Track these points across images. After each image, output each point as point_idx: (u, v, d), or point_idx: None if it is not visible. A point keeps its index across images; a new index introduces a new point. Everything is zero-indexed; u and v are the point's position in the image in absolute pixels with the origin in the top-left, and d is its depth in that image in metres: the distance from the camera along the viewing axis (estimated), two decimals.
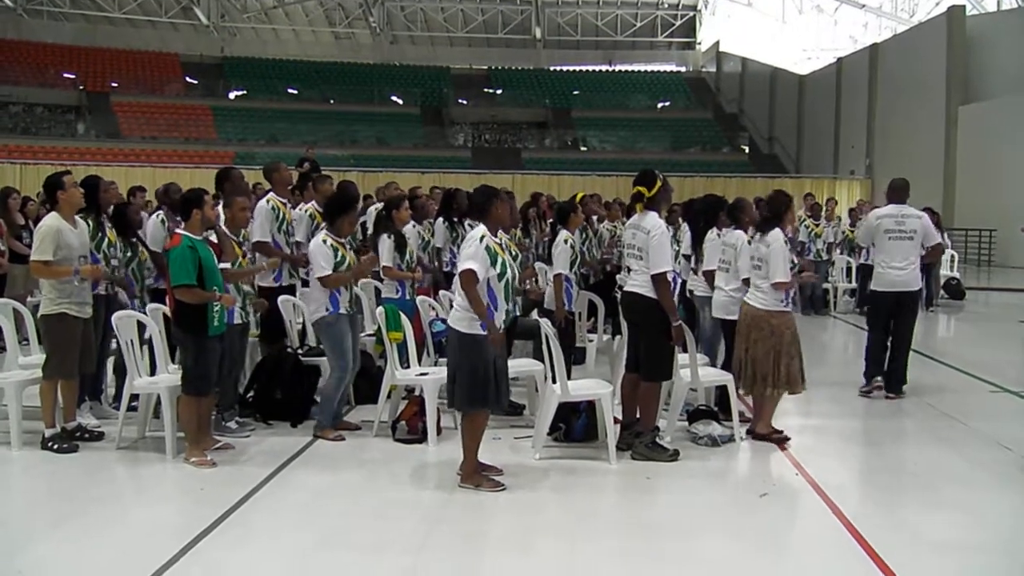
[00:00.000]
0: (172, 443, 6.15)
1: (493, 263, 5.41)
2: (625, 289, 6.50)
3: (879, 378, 8.31)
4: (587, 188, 19.93)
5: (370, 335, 7.84)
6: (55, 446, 6.24)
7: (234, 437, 6.59)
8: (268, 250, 7.55)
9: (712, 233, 7.59)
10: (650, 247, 6.07)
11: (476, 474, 5.59)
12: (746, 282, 6.93)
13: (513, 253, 6.80)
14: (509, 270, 5.50)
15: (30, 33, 39.69)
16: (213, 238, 6.39)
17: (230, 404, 6.78)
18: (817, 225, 14.14)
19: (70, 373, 6.37)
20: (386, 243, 7.64)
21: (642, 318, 6.30)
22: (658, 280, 6.07)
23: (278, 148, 32.27)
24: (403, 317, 6.94)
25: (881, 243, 8.24)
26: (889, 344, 8.30)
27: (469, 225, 9.28)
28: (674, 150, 38.46)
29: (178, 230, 6.18)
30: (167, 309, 7.00)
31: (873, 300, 8.53)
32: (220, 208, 7.06)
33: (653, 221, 6.19)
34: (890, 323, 8.25)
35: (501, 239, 5.65)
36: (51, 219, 6.30)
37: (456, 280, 5.62)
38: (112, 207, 7.43)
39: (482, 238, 5.44)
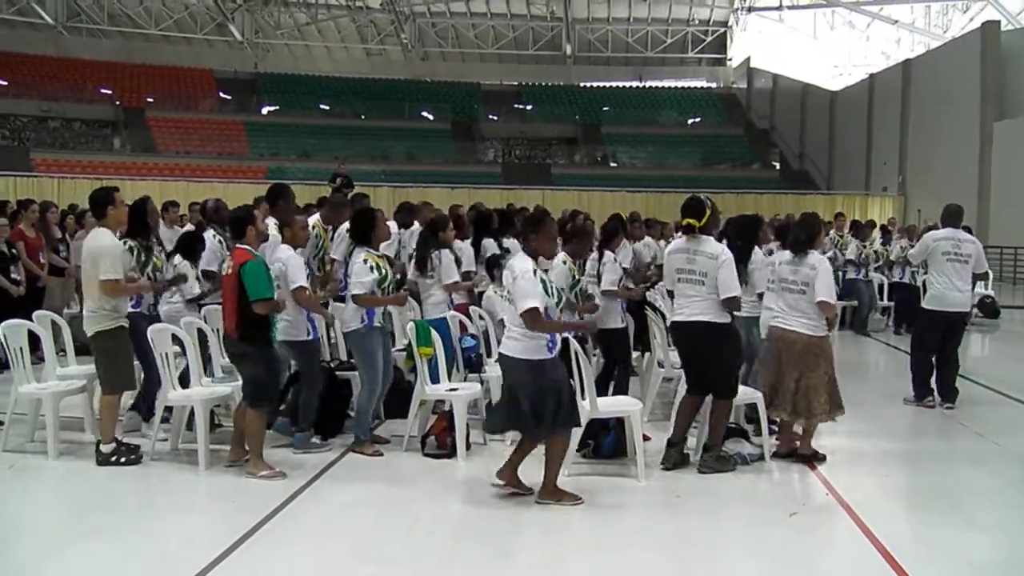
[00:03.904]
0: (205, 455, 6.23)
1: (548, 293, 5.47)
2: (678, 319, 6.39)
3: (930, 398, 8.51)
4: (617, 204, 19.98)
5: (400, 350, 7.90)
6: (122, 459, 6.26)
7: (316, 451, 6.70)
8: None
9: (757, 253, 7.54)
10: (720, 272, 6.06)
11: (557, 490, 5.63)
12: (760, 296, 6.94)
13: (575, 277, 6.86)
14: (558, 295, 5.57)
15: (69, 50, 40.36)
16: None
17: (311, 420, 6.83)
18: (865, 245, 14.10)
19: (128, 383, 6.51)
20: (448, 257, 7.69)
21: (705, 343, 6.25)
22: (731, 303, 6.11)
23: (310, 163, 32.58)
24: (433, 333, 6.99)
25: (939, 265, 8.44)
26: (936, 361, 8.53)
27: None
28: (704, 166, 38.35)
29: (240, 246, 6.15)
30: (201, 323, 7.13)
31: (928, 319, 8.57)
32: (270, 222, 7.18)
33: (715, 246, 6.18)
34: (939, 342, 8.47)
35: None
36: (110, 238, 6.35)
37: (506, 308, 5.63)
38: (181, 235, 7.70)
39: (535, 272, 5.47)
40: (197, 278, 7.53)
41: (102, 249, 6.27)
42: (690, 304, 6.25)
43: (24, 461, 6.52)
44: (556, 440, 5.61)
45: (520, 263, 5.52)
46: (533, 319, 5.32)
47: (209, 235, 8.00)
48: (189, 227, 9.26)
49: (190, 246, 7.59)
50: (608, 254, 7.71)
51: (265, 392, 6.16)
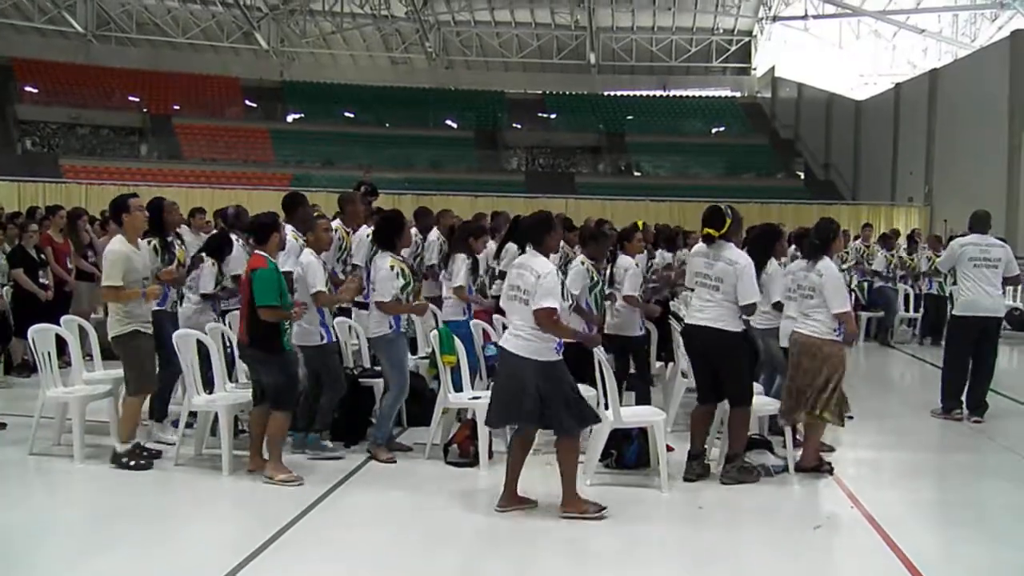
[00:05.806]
0: (229, 461, 6.25)
1: (564, 297, 5.45)
2: (690, 322, 6.39)
3: (959, 411, 8.37)
4: (640, 213, 19.90)
5: (423, 358, 7.91)
6: (132, 462, 6.32)
7: (327, 457, 6.67)
8: (333, 278, 7.64)
9: (772, 264, 7.49)
10: (738, 278, 6.01)
11: (579, 500, 5.52)
12: (776, 306, 7.03)
13: (594, 279, 7.07)
14: (570, 298, 5.57)
15: (98, 58, 40.75)
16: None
17: (327, 424, 6.87)
18: (892, 254, 14.01)
19: (151, 384, 6.57)
20: (464, 263, 7.74)
21: (714, 349, 6.22)
22: (747, 309, 6.09)
23: (334, 171, 32.69)
24: (457, 340, 6.99)
25: (967, 270, 8.35)
26: (970, 371, 8.40)
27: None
28: (728, 175, 38.16)
29: (258, 252, 6.24)
30: (226, 328, 7.17)
31: (960, 327, 8.49)
32: (288, 230, 7.21)
33: (735, 252, 6.13)
34: (973, 350, 8.35)
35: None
36: (118, 244, 6.41)
37: (516, 309, 5.49)
38: (210, 236, 7.82)
39: (555, 272, 5.43)
40: (220, 276, 7.54)
41: (107, 255, 6.43)
42: (703, 309, 6.23)
43: (50, 464, 6.59)
44: (566, 446, 5.50)
45: (542, 264, 5.40)
46: (548, 318, 5.25)
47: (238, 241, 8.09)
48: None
49: (218, 247, 7.61)
50: (627, 259, 7.73)
51: (286, 395, 6.17)
